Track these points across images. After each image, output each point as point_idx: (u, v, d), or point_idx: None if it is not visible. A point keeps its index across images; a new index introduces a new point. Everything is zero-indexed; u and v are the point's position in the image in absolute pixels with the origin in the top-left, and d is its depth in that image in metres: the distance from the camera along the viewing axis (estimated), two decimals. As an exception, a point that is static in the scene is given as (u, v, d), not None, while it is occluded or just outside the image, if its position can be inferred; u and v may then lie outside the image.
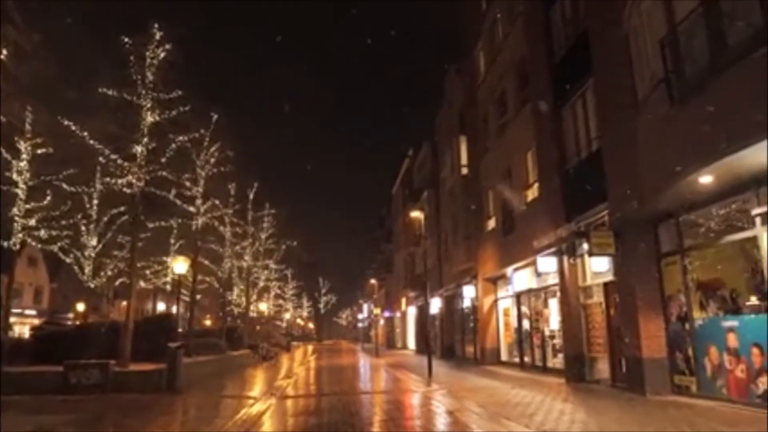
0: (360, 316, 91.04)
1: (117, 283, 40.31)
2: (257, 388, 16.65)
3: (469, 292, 24.39)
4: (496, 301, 22.78)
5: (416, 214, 20.62)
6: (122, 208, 29.36)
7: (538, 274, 17.95)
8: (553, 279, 16.96)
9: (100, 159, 16.83)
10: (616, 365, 12.60)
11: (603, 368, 13.44)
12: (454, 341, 30.09)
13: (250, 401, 12.72)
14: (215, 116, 25.42)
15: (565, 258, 14.78)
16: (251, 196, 37.61)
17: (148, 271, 36.45)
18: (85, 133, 16.70)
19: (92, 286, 32.34)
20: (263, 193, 39.70)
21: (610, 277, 12.87)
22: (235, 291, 41.66)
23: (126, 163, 17.62)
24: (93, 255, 31.96)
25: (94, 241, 31.64)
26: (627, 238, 11.75)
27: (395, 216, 53.34)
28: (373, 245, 67.16)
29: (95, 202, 30.67)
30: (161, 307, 52.16)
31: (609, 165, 12.39)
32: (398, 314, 52.15)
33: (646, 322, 11.14)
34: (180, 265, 16.13)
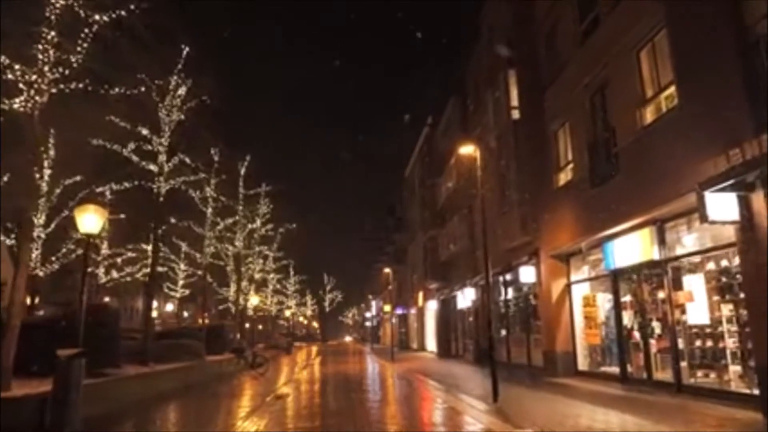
0: (368, 314, 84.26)
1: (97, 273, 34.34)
2: (216, 424, 10.21)
3: (526, 275, 17.79)
4: (568, 286, 16.23)
5: (469, 149, 13.87)
6: (78, 178, 23.65)
7: (660, 243, 11.45)
8: (699, 242, 10.48)
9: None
10: None
11: None
12: (494, 342, 23.56)
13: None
14: (186, 48, 19.68)
15: (758, 194, 8.28)
16: (242, 171, 31.67)
17: (119, 259, 30.40)
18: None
19: (41, 274, 25.92)
20: (260, 174, 34.02)
21: None
22: (232, 288, 35.52)
23: (19, 67, 11.28)
24: (43, 236, 25.51)
25: (42, 219, 25.19)
26: None
27: (409, 200, 46.68)
28: (383, 236, 60.44)
29: (46, 171, 24.43)
30: (155, 305, 46.25)
31: None
32: (413, 311, 45.45)
33: None
34: (89, 218, 9.61)
